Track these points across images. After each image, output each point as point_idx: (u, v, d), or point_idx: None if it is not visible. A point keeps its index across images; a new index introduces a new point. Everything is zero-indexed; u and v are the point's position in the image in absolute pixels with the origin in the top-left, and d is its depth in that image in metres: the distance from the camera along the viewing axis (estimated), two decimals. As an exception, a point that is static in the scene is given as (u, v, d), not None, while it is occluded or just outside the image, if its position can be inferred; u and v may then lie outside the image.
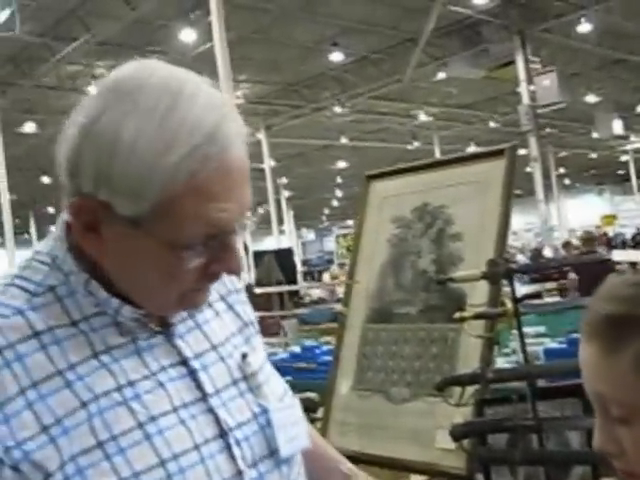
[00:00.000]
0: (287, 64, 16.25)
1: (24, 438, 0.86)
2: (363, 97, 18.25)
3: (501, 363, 3.58)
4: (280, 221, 23.76)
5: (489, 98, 20.80)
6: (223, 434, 0.98)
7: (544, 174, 17.34)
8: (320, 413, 2.43)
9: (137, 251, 0.92)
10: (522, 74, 15.55)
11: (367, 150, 24.17)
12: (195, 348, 1.03)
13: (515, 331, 1.90)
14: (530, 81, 15.60)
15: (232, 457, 0.98)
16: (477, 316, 1.89)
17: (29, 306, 0.94)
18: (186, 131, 0.87)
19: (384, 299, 2.32)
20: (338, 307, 2.64)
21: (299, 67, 16.61)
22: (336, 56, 16.07)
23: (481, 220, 2.14)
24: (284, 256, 14.97)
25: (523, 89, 15.70)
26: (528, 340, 3.51)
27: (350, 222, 35.00)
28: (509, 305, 1.81)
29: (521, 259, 17.84)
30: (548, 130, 23.01)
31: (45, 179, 22.12)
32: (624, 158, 32.89)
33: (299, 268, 21.08)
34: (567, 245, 13.97)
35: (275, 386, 1.11)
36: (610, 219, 31.44)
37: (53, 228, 1.04)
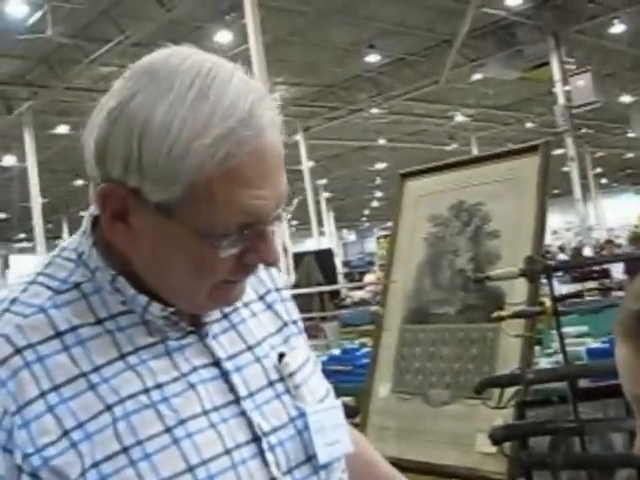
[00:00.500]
0: (324, 66, 16.30)
1: (44, 444, 0.83)
2: (399, 99, 18.21)
3: (544, 364, 3.53)
4: (320, 222, 23.75)
5: (525, 99, 20.70)
6: (256, 439, 0.93)
7: (581, 174, 17.27)
8: (358, 419, 2.40)
9: (167, 240, 0.88)
10: (557, 75, 15.51)
11: (405, 151, 24.06)
12: (229, 349, 0.98)
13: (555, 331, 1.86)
14: (565, 82, 15.52)
15: (265, 463, 0.93)
16: (515, 315, 1.85)
17: (51, 303, 0.90)
18: (220, 115, 0.84)
19: (421, 299, 2.29)
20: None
21: (336, 69, 16.65)
22: (372, 58, 16.19)
23: (517, 217, 2.10)
24: (324, 257, 14.68)
25: (558, 89, 15.61)
26: (570, 340, 3.46)
27: (390, 223, 34.92)
28: (548, 304, 1.77)
29: (562, 258, 17.64)
30: (584, 130, 22.81)
31: (78, 182, 22.14)
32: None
33: (339, 269, 20.96)
34: (609, 243, 14.01)
35: (316, 387, 1.06)
36: (648, 218, 30.92)
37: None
